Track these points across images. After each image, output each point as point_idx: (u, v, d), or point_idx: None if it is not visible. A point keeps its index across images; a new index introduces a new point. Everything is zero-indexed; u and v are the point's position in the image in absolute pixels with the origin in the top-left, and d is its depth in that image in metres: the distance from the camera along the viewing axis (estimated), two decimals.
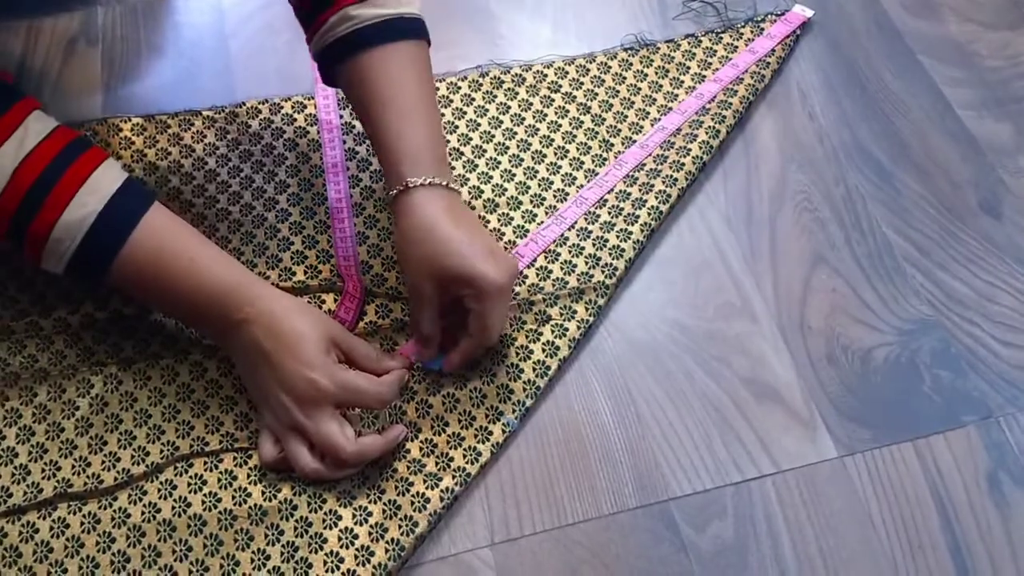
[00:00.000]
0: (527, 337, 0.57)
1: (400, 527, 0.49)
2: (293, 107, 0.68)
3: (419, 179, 0.50)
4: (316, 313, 0.51)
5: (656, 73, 0.72)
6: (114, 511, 0.49)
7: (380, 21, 0.52)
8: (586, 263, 0.60)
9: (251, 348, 0.49)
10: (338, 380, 0.48)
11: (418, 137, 0.51)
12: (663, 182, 0.63)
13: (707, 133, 0.66)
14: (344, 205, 0.61)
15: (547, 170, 0.65)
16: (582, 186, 0.64)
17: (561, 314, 0.58)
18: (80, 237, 0.47)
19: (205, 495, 0.50)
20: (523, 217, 0.63)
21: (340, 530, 0.49)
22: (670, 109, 0.69)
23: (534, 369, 0.55)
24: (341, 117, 0.67)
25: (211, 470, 0.51)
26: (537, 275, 0.60)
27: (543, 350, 0.56)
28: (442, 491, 0.51)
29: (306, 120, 0.67)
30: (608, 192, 0.63)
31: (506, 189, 0.64)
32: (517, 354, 0.56)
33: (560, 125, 0.68)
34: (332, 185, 0.63)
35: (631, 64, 0.72)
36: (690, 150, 0.65)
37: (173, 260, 0.49)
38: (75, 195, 0.47)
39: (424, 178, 0.50)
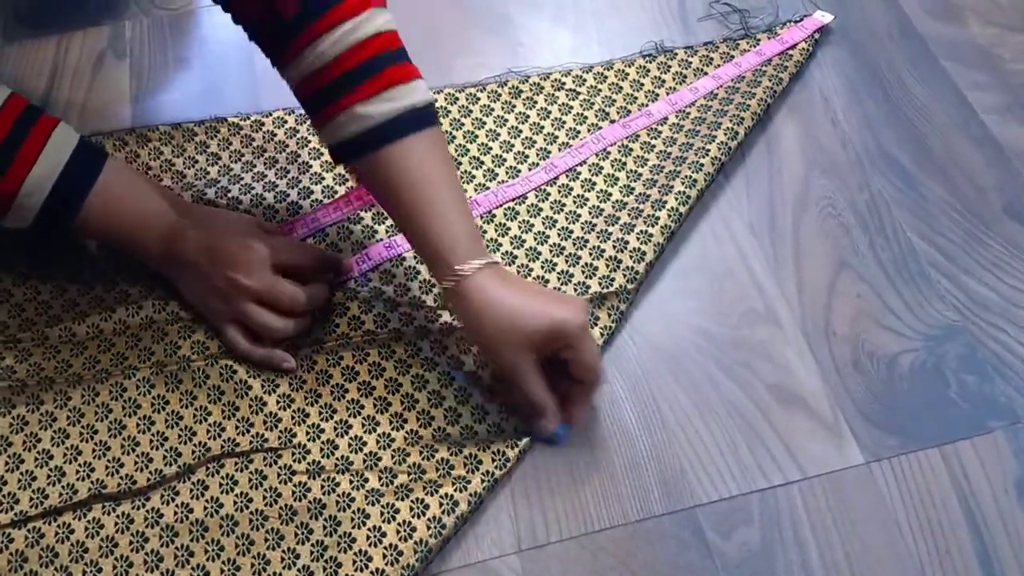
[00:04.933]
0: None
1: (429, 527, 0.50)
2: None
3: (470, 266, 0.50)
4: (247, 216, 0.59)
5: (674, 79, 0.72)
6: (147, 511, 0.50)
7: (394, 117, 0.51)
8: (607, 266, 0.60)
9: (193, 250, 0.54)
10: (272, 243, 0.55)
11: (456, 225, 0.51)
12: (682, 183, 0.63)
13: (725, 134, 0.66)
14: None
15: (567, 177, 0.66)
16: (603, 190, 0.65)
17: None
18: (49, 188, 0.52)
19: (237, 495, 0.51)
20: (543, 223, 0.63)
21: (368, 529, 0.50)
22: (657, 96, 0.70)
23: None
24: None
25: (242, 470, 0.52)
26: (559, 279, 0.60)
27: None
28: (470, 495, 0.51)
29: None
30: (580, 164, 0.66)
31: (526, 197, 0.65)
32: None
33: (579, 132, 0.68)
34: None
35: (648, 71, 0.72)
36: (708, 151, 0.65)
37: (130, 199, 0.55)
38: (40, 152, 0.51)
39: (475, 263, 0.50)
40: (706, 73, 0.72)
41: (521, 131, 0.68)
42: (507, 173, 0.66)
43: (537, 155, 0.67)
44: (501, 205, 0.64)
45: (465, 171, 0.66)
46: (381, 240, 0.62)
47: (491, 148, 0.67)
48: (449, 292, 0.51)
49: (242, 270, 0.53)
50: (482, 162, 0.67)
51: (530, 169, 0.66)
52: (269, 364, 0.55)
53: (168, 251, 0.55)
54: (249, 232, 0.55)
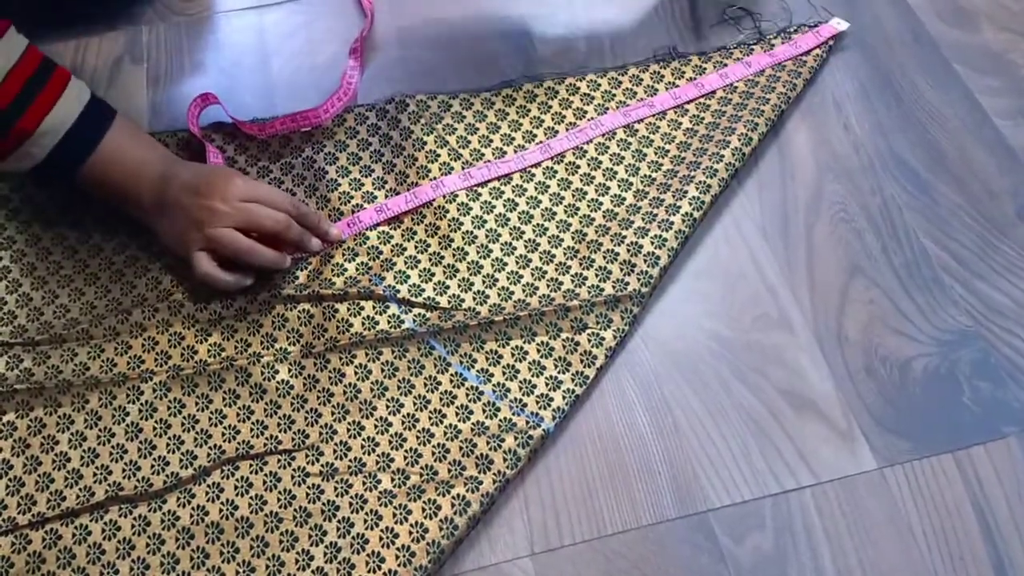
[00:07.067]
0: (564, 348, 0.57)
1: (441, 528, 0.50)
2: (334, 121, 0.69)
3: None
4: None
5: (687, 84, 0.72)
6: (164, 514, 0.51)
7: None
8: (621, 269, 0.60)
9: (177, 191, 0.57)
10: (251, 183, 0.58)
11: None
12: (696, 188, 0.64)
13: (739, 140, 0.66)
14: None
15: (581, 180, 0.66)
16: (617, 195, 0.65)
17: (597, 322, 0.58)
18: (64, 131, 0.55)
19: (252, 498, 0.51)
20: (558, 227, 0.64)
21: (381, 530, 0.50)
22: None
23: (573, 379, 0.56)
24: None
25: (256, 472, 0.52)
26: (572, 281, 0.60)
27: (581, 360, 0.57)
28: (482, 495, 0.51)
29: (346, 134, 0.68)
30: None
31: (540, 201, 0.65)
32: (556, 365, 0.57)
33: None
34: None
35: (663, 76, 0.73)
36: (723, 156, 0.65)
37: (131, 149, 0.58)
38: (59, 98, 0.55)
39: None
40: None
41: (536, 135, 0.69)
42: (521, 176, 0.66)
43: (552, 160, 0.67)
44: (493, 179, 0.66)
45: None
46: (374, 204, 0.64)
47: (504, 152, 0.68)
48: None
49: (218, 196, 0.56)
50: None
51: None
52: (237, 287, 0.58)
53: (158, 199, 0.57)
54: (231, 172, 0.59)
